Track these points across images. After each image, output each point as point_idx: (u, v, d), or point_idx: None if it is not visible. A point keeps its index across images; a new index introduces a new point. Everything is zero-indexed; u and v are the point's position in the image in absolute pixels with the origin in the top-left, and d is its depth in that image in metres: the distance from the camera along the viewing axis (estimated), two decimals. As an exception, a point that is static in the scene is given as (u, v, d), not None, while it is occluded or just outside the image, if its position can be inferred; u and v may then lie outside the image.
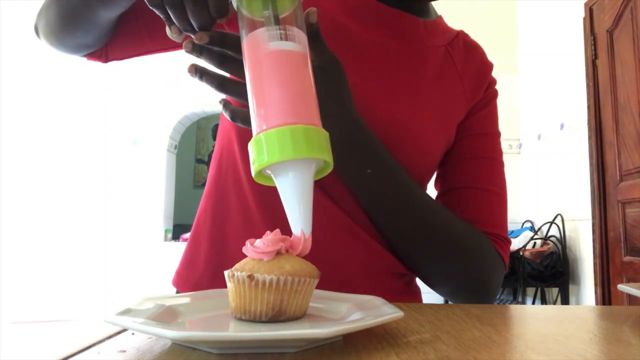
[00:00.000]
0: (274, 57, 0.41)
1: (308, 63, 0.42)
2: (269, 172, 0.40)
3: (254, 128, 0.40)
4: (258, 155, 0.38)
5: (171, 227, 3.69)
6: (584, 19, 2.48)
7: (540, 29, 3.09)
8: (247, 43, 0.42)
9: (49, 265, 3.42)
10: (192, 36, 0.46)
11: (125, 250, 3.46)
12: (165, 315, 0.38)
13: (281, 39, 0.41)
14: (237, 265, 0.40)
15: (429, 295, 0.69)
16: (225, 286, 0.48)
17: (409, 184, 0.59)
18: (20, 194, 3.50)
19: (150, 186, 3.56)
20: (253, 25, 0.42)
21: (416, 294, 0.69)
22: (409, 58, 0.66)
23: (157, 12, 0.45)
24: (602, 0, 2.32)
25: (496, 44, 3.34)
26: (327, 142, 0.39)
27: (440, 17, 0.73)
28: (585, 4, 2.46)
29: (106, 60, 0.69)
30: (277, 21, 0.42)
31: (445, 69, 0.68)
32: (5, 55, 3.56)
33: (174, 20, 0.45)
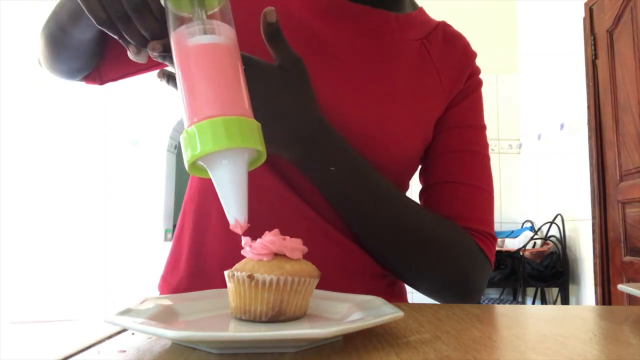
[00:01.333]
0: (194, 52, 0.41)
1: (232, 54, 0.42)
2: (202, 164, 0.40)
3: (185, 122, 0.40)
4: (191, 147, 0.38)
5: (171, 227, 3.68)
6: (584, 19, 2.48)
7: (540, 29, 3.09)
8: (173, 42, 0.43)
9: (49, 265, 3.42)
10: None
11: (126, 250, 3.46)
12: (165, 315, 0.38)
13: (202, 33, 0.41)
14: (237, 265, 0.40)
15: (415, 295, 0.67)
16: (202, 289, 0.48)
17: (376, 181, 0.57)
18: (20, 194, 3.50)
19: (150, 186, 3.56)
20: (180, 22, 0.42)
21: (401, 295, 0.68)
22: (380, 54, 0.64)
23: (109, 33, 0.46)
24: (602, 0, 2.32)
25: (496, 44, 3.34)
26: (253, 132, 0.39)
27: (419, 10, 0.71)
28: (585, 4, 2.46)
29: (102, 82, 0.70)
30: (201, 17, 0.42)
31: (420, 63, 0.66)
32: (5, 55, 3.56)
33: (126, 36, 0.45)
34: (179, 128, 3.75)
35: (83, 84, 0.71)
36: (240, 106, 0.40)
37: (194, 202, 0.66)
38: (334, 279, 0.58)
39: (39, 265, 3.42)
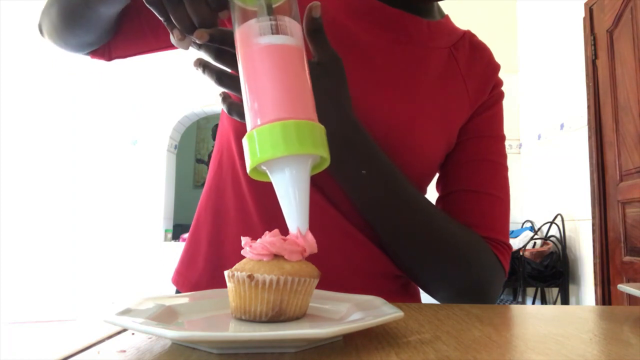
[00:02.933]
0: (265, 52, 0.39)
1: (302, 56, 0.40)
2: (264, 168, 0.39)
3: (248, 124, 0.39)
4: (251, 152, 0.37)
5: (171, 227, 3.69)
6: (584, 19, 2.48)
7: (540, 29, 3.09)
8: (239, 36, 0.41)
9: (49, 265, 3.42)
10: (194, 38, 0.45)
11: (125, 250, 3.46)
12: (165, 315, 0.38)
13: (273, 31, 0.39)
14: (237, 265, 0.40)
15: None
16: (224, 285, 0.48)
17: (405, 186, 0.58)
18: (20, 194, 3.50)
19: (150, 186, 3.56)
20: (245, 16, 0.41)
21: (414, 295, 0.68)
22: (411, 60, 0.65)
23: (155, 13, 0.44)
24: (602, 0, 2.32)
25: (496, 44, 3.33)
26: (322, 136, 0.38)
27: (446, 17, 0.72)
28: (585, 4, 2.46)
29: (109, 58, 0.68)
30: (270, 11, 0.40)
31: (448, 71, 0.67)
32: (5, 54, 3.56)
33: (173, 19, 0.44)
34: (179, 128, 3.75)
35: (88, 57, 0.69)
36: (307, 110, 0.38)
37: (212, 199, 0.67)
38: (349, 278, 0.59)
39: (39, 266, 3.42)
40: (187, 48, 0.47)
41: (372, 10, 0.64)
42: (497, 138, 0.69)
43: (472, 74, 0.68)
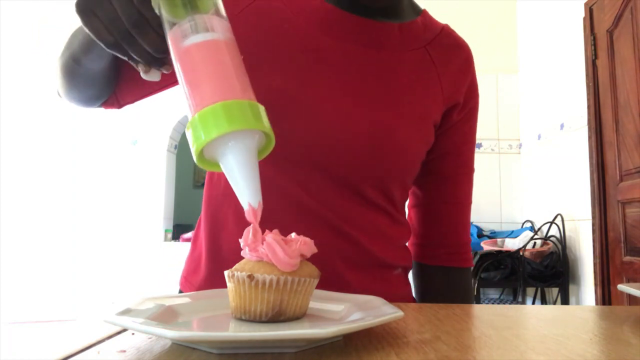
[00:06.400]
0: (189, 52, 0.42)
1: (226, 46, 0.42)
2: (211, 156, 0.40)
3: (189, 118, 0.40)
4: (192, 140, 0.38)
5: (171, 227, 3.69)
6: (584, 19, 2.48)
7: (540, 29, 3.09)
8: (170, 45, 0.43)
9: (49, 265, 3.42)
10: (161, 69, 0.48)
11: (125, 250, 3.46)
12: (165, 315, 0.38)
13: (193, 31, 0.42)
14: (237, 265, 0.40)
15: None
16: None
17: None
18: (20, 194, 3.50)
19: (150, 186, 3.56)
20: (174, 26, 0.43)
21: (406, 284, 0.72)
22: (386, 66, 0.66)
23: (117, 54, 0.47)
24: (602, 0, 2.32)
25: (496, 44, 3.34)
26: (255, 111, 0.39)
27: (423, 13, 0.72)
28: (585, 4, 2.46)
29: (120, 106, 0.71)
30: (193, 18, 0.42)
31: (423, 70, 0.68)
32: (5, 54, 3.56)
33: (133, 55, 0.47)
34: (179, 128, 3.75)
35: (102, 109, 0.72)
36: (238, 91, 0.40)
37: (211, 205, 0.69)
38: (344, 272, 0.62)
39: (39, 266, 3.42)
40: (157, 78, 0.50)
41: (341, 22, 0.66)
42: (473, 145, 0.76)
43: (447, 70, 0.70)
